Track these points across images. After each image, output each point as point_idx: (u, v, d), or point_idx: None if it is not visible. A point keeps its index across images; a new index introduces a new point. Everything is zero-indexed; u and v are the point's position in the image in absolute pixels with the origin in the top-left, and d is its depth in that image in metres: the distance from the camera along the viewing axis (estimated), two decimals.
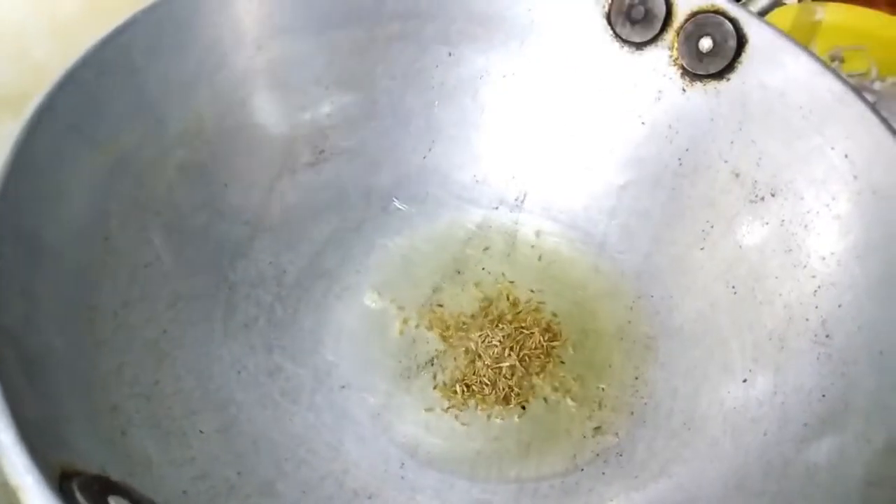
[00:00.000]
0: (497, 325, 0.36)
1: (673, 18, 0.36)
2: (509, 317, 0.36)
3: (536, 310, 0.37)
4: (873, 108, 0.31)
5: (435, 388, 0.34)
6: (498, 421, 0.33)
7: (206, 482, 0.28)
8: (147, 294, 0.31)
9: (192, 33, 0.33)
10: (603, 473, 0.32)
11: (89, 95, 0.29)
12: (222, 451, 0.29)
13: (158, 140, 0.32)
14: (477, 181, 0.41)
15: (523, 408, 0.34)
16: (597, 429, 0.33)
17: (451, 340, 0.36)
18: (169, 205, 0.32)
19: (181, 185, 0.33)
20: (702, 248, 0.36)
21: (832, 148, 0.32)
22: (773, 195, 0.34)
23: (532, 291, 0.38)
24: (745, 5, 0.35)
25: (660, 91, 0.37)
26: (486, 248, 0.39)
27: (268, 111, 0.37)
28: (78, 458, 0.22)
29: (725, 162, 0.36)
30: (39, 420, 0.22)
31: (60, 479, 0.20)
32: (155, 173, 0.32)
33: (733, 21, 0.34)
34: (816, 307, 0.31)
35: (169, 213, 0.32)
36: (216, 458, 0.29)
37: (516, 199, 0.41)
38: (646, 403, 0.34)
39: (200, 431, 0.29)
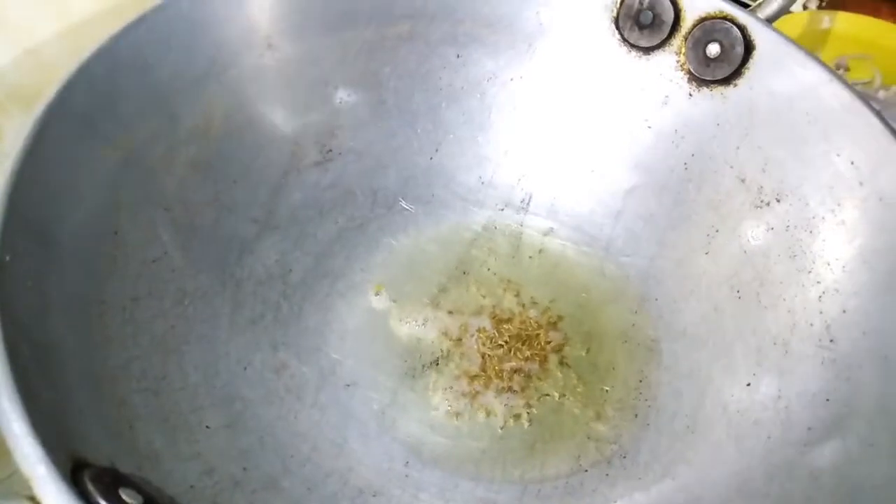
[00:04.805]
0: (502, 326, 0.36)
1: (681, 24, 0.36)
2: (514, 318, 0.37)
3: (541, 312, 0.37)
4: (880, 115, 0.32)
5: (440, 387, 0.34)
6: (502, 421, 0.34)
7: (213, 477, 0.28)
8: (155, 289, 0.31)
9: (203, 30, 0.33)
10: (607, 474, 0.32)
11: (101, 91, 0.29)
12: (228, 446, 0.29)
13: (169, 136, 0.32)
14: (483, 183, 0.41)
15: (528, 409, 0.34)
16: (601, 430, 0.33)
17: (455, 341, 0.36)
18: (178, 200, 0.32)
19: (191, 180, 0.33)
20: (706, 253, 0.37)
21: (838, 154, 0.32)
22: (778, 200, 0.34)
23: (537, 294, 0.38)
24: (753, 12, 0.35)
25: (667, 96, 0.38)
26: (492, 250, 0.40)
27: (277, 109, 0.37)
28: (88, 450, 0.22)
29: (731, 167, 0.36)
30: (51, 411, 0.22)
31: (73, 471, 0.20)
32: (165, 169, 0.32)
33: (741, 27, 0.35)
34: (821, 312, 0.32)
35: (178, 209, 0.32)
36: (222, 453, 0.29)
37: (522, 202, 0.41)
38: (650, 406, 0.34)
39: (207, 427, 0.29)
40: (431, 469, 0.32)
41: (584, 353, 0.36)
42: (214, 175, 0.34)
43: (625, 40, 0.38)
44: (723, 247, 0.36)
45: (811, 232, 0.33)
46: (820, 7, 0.53)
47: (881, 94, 0.45)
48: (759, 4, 0.36)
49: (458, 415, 0.33)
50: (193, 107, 0.33)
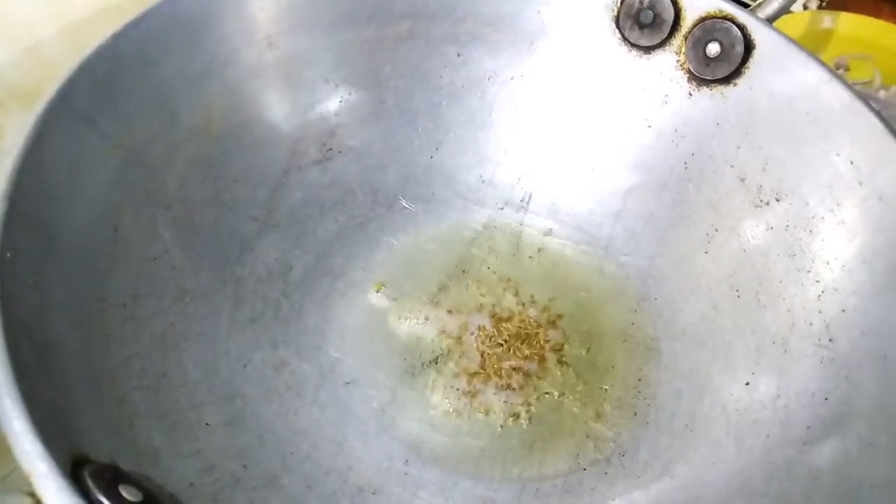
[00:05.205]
0: (501, 325, 0.36)
1: (681, 23, 0.36)
2: (514, 317, 0.37)
3: (541, 310, 0.37)
4: (880, 115, 0.32)
5: (439, 386, 0.34)
6: (502, 420, 0.34)
7: (213, 474, 0.28)
8: (155, 287, 0.31)
9: (204, 28, 0.33)
10: (605, 473, 0.32)
11: (102, 88, 0.30)
12: (228, 444, 0.29)
13: (171, 134, 0.32)
14: (483, 182, 0.41)
15: (527, 407, 0.34)
16: (600, 429, 0.33)
17: (455, 339, 0.36)
18: (179, 199, 0.32)
19: (192, 179, 0.33)
20: (706, 252, 0.37)
21: (838, 154, 0.32)
22: (778, 200, 0.34)
23: (536, 292, 0.38)
24: (753, 12, 0.35)
25: (667, 95, 0.38)
26: (492, 249, 0.40)
27: (277, 108, 0.37)
28: (89, 447, 0.22)
29: (731, 166, 0.36)
30: (51, 408, 0.22)
31: (73, 467, 0.20)
32: (166, 167, 0.32)
33: (741, 27, 0.35)
34: (820, 311, 0.32)
35: (178, 207, 0.32)
36: (222, 450, 0.29)
37: (522, 201, 0.41)
38: (649, 404, 0.34)
39: (207, 424, 0.29)
40: (431, 467, 0.32)
41: (583, 352, 0.36)
42: (215, 173, 0.34)
43: (625, 39, 0.38)
44: (722, 246, 0.36)
45: (811, 231, 0.33)
46: (820, 7, 0.53)
47: (881, 93, 0.45)
48: (760, 4, 0.36)
49: (457, 413, 0.34)
50: (194, 105, 0.33)
